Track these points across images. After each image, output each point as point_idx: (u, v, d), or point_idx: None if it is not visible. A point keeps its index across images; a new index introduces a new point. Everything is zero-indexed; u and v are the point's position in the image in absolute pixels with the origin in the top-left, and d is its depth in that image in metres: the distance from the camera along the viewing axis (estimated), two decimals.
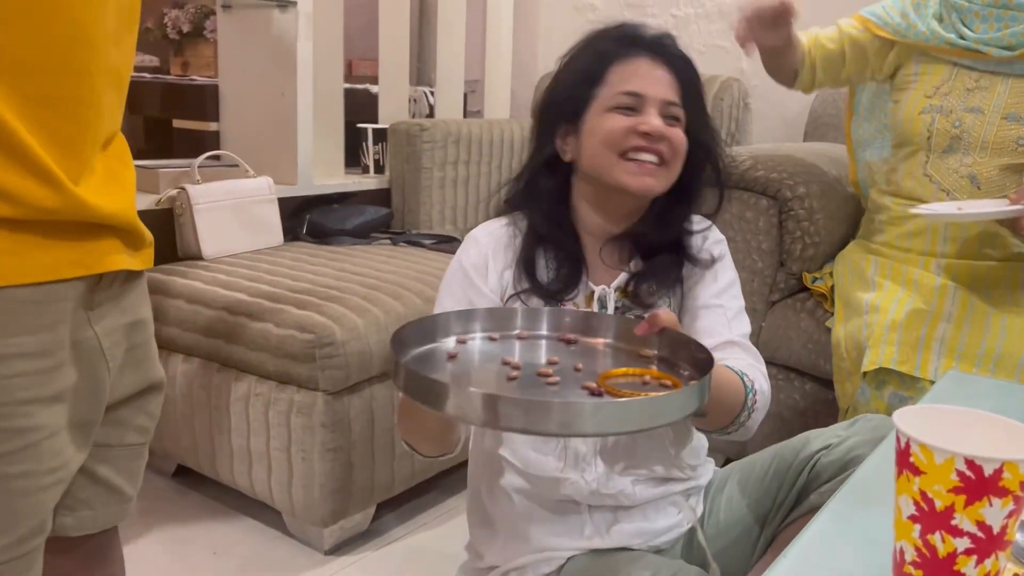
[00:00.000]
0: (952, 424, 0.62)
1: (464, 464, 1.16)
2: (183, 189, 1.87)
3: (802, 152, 1.86)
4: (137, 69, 3.71)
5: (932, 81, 1.52)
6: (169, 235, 1.92)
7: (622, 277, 1.06)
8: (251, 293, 1.62)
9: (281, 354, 1.51)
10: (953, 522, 0.57)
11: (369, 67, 3.05)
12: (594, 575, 1.01)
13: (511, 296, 1.03)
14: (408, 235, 2.16)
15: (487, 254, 1.04)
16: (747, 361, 1.03)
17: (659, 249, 1.07)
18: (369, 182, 2.42)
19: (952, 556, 0.58)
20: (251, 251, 1.95)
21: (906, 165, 1.55)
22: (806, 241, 1.71)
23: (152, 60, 3.81)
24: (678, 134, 1.01)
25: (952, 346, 1.34)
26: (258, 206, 1.99)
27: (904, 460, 0.59)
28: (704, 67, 2.74)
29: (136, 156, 2.63)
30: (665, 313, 0.88)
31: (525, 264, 1.03)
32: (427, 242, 2.10)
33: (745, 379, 0.99)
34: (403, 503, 1.76)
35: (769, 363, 1.76)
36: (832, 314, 1.63)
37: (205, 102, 2.36)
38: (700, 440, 1.13)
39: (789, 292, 1.76)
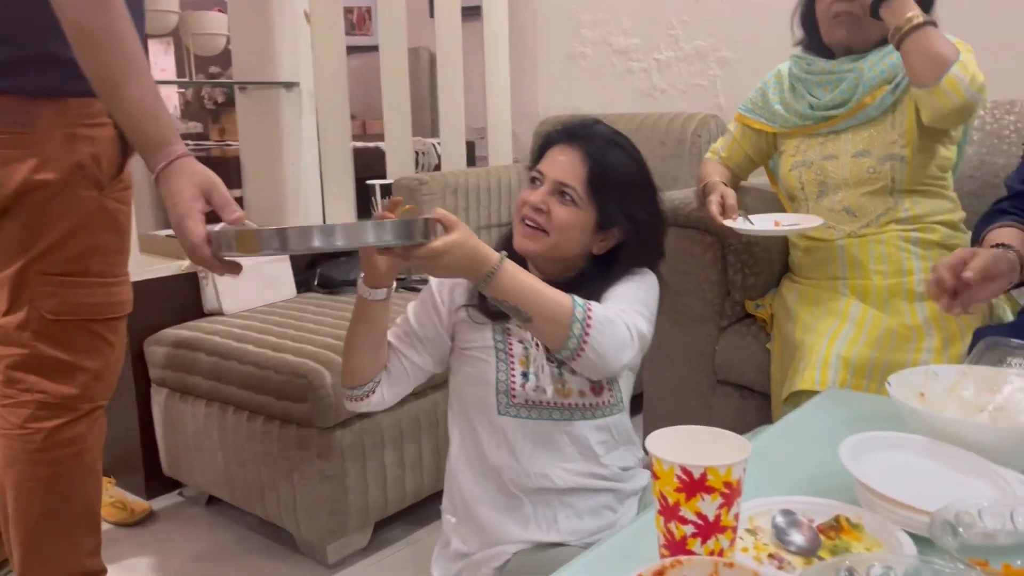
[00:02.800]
0: (698, 439, 0.82)
1: None
2: None
3: (751, 191, 2.05)
4: (183, 136, 4.10)
5: (793, 145, 1.80)
6: (196, 294, 2.20)
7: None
8: (258, 344, 1.88)
9: (281, 396, 1.76)
10: (681, 513, 0.77)
11: (381, 126, 3.33)
12: (535, 566, 1.22)
13: (459, 307, 1.27)
14: (407, 281, 2.41)
15: (444, 284, 1.29)
16: (608, 306, 1.19)
17: None
18: None
19: (684, 539, 0.78)
20: (266, 304, 2.22)
21: (799, 211, 1.79)
22: (746, 272, 1.90)
23: (196, 127, 4.20)
24: (560, 211, 1.21)
25: (847, 359, 1.52)
26: (271, 264, 2.27)
27: (652, 470, 0.80)
28: (684, 105, 2.97)
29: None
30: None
31: (477, 290, 1.24)
32: (422, 287, 2.34)
33: (575, 298, 1.14)
34: (399, 522, 1.99)
35: (723, 382, 1.96)
36: (771, 337, 1.82)
37: (229, 172, 2.67)
38: (635, 448, 1.33)
39: (736, 318, 1.94)
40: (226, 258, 1.12)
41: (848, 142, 1.71)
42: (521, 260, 1.26)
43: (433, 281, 1.29)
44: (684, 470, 0.76)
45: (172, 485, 2.18)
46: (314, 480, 1.76)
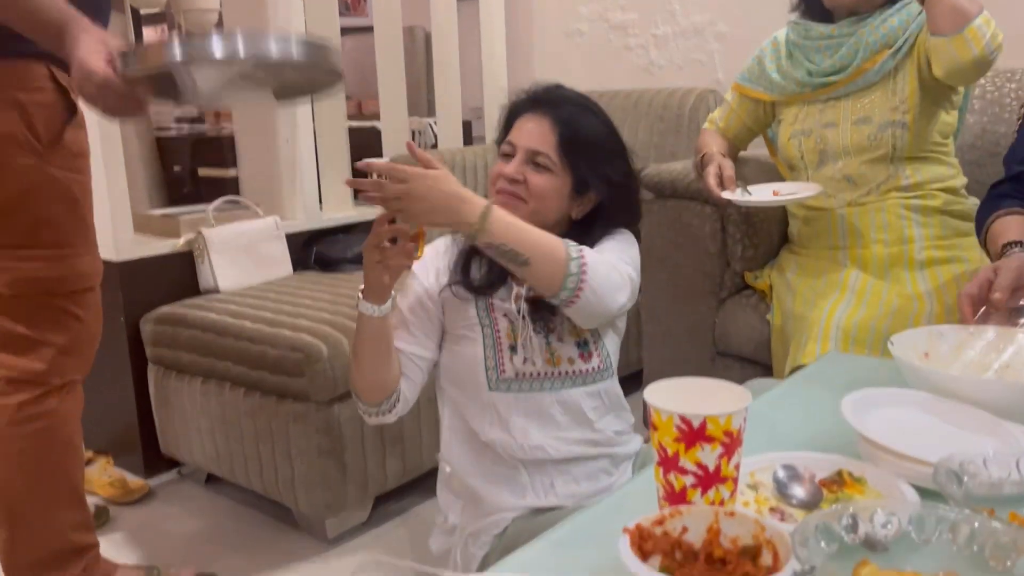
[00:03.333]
0: (697, 390, 0.81)
1: None
2: (200, 233, 2.14)
3: (750, 161, 2.03)
4: (178, 119, 4.08)
5: (792, 113, 1.77)
6: (191, 273, 2.19)
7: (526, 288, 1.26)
8: (254, 320, 1.87)
9: (277, 371, 1.75)
10: (680, 464, 0.76)
11: (377, 105, 3.31)
12: (532, 530, 1.21)
13: (444, 287, 1.26)
14: None
15: (426, 260, 1.27)
16: (598, 252, 1.19)
17: None
18: (373, 212, 2.65)
19: (684, 490, 0.76)
20: (262, 283, 2.21)
21: (798, 181, 1.76)
22: (745, 243, 1.88)
23: (191, 109, 4.17)
24: (536, 179, 1.21)
25: (847, 329, 1.51)
26: (267, 243, 2.25)
27: (649, 421, 0.78)
28: (683, 80, 2.94)
29: (167, 204, 2.95)
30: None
31: (462, 264, 1.26)
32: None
33: (570, 246, 1.14)
34: (399, 497, 1.99)
35: (723, 354, 1.95)
36: (771, 308, 1.81)
37: (224, 152, 2.65)
38: (625, 413, 1.33)
39: (736, 290, 1.93)
40: (131, 75, 1.04)
41: (848, 109, 1.69)
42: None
43: (416, 267, 1.27)
44: (683, 419, 0.75)
45: (170, 463, 2.17)
46: (312, 455, 1.75)
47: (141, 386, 2.09)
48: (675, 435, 0.76)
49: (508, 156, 1.24)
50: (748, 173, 1.86)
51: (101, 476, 2.06)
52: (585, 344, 1.27)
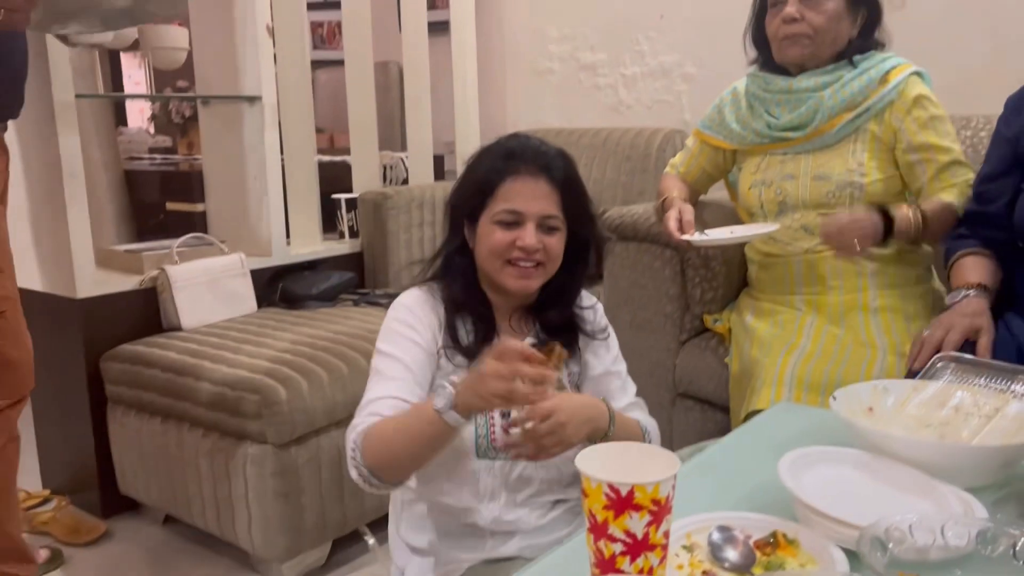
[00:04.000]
0: (629, 456, 0.82)
1: None
2: (163, 270, 2.13)
3: (710, 205, 2.06)
4: (152, 149, 4.07)
5: (753, 163, 1.80)
6: (154, 310, 2.18)
7: (528, 340, 1.25)
8: (214, 360, 1.86)
9: (236, 413, 1.74)
10: (609, 532, 0.76)
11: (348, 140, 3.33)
12: None
13: (439, 348, 1.21)
14: (369, 296, 2.39)
15: (418, 315, 1.22)
16: (643, 416, 1.30)
17: (558, 322, 1.27)
18: (342, 247, 2.67)
19: (613, 557, 0.77)
20: (226, 320, 2.20)
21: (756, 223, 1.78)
22: (704, 286, 1.90)
23: (165, 140, 4.17)
24: (552, 242, 1.20)
25: (801, 377, 1.53)
26: (231, 279, 2.24)
27: (582, 488, 0.79)
28: (651, 119, 2.98)
29: (134, 237, 2.93)
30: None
31: (448, 330, 1.22)
32: (384, 301, 2.33)
33: (647, 434, 1.27)
34: (358, 538, 1.97)
35: (684, 395, 1.96)
36: (730, 352, 1.82)
37: (193, 186, 2.64)
38: None
39: (696, 332, 1.94)
40: None
41: (808, 164, 1.71)
42: (475, 295, 1.24)
43: (399, 317, 1.22)
44: (612, 487, 0.75)
45: (128, 503, 2.14)
46: (269, 498, 1.74)
47: (100, 425, 2.07)
48: (604, 503, 0.76)
49: (511, 225, 1.19)
50: (708, 217, 1.89)
51: (57, 516, 2.04)
52: None
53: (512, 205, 1.19)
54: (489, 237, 1.20)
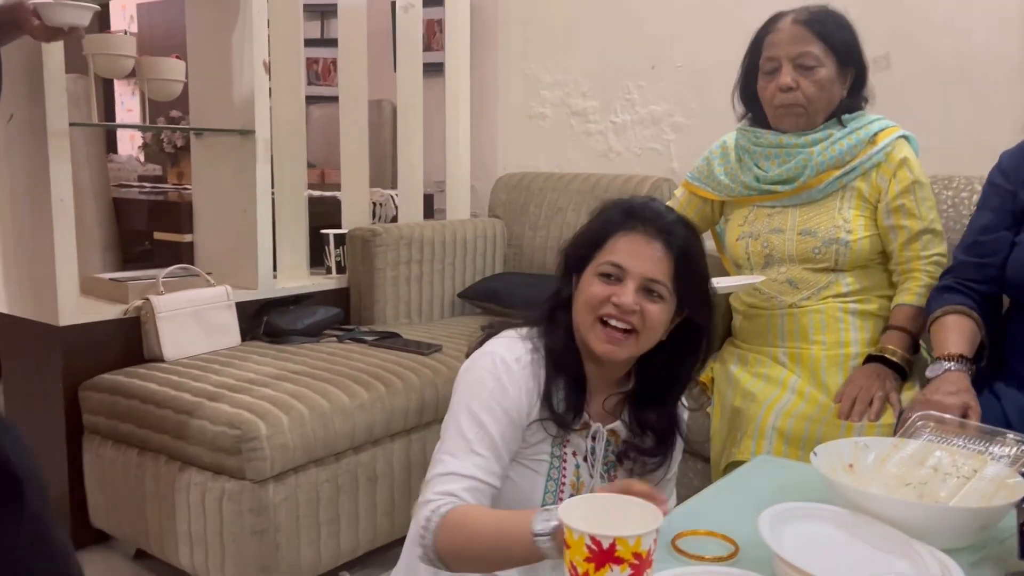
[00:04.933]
0: (612, 508, 0.82)
1: (394, 543, 1.31)
2: (147, 300, 2.12)
3: None
4: (141, 177, 4.07)
5: (741, 215, 1.81)
6: (137, 339, 2.16)
7: (618, 424, 1.22)
8: (195, 393, 1.84)
9: (214, 448, 1.72)
10: None
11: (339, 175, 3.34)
12: None
13: (534, 421, 1.16)
14: (354, 333, 2.39)
15: (517, 378, 1.15)
16: None
17: (654, 421, 1.22)
18: (329, 283, 2.67)
19: None
20: (209, 352, 2.19)
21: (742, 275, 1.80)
22: None
23: (156, 169, 4.17)
24: (652, 309, 1.13)
25: (782, 430, 1.53)
26: (216, 311, 2.23)
27: (561, 538, 0.79)
28: (640, 167, 3.02)
29: (119, 266, 2.91)
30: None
31: (545, 397, 1.17)
32: (369, 339, 2.33)
33: None
34: None
35: None
36: (712, 401, 1.83)
37: (182, 217, 2.64)
38: None
39: None
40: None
41: (795, 218, 1.74)
42: (572, 355, 1.18)
43: (501, 370, 1.15)
44: (593, 540, 0.75)
45: (98, 536, 2.10)
46: (244, 535, 1.71)
47: (75, 455, 2.04)
48: (585, 554, 0.76)
49: (612, 278, 1.14)
50: None
51: None
52: None
53: (617, 259, 1.14)
54: (587, 289, 1.16)
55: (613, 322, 1.13)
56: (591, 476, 1.21)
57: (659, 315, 1.14)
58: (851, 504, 1.02)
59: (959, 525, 0.99)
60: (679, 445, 1.29)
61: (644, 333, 1.14)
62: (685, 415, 1.30)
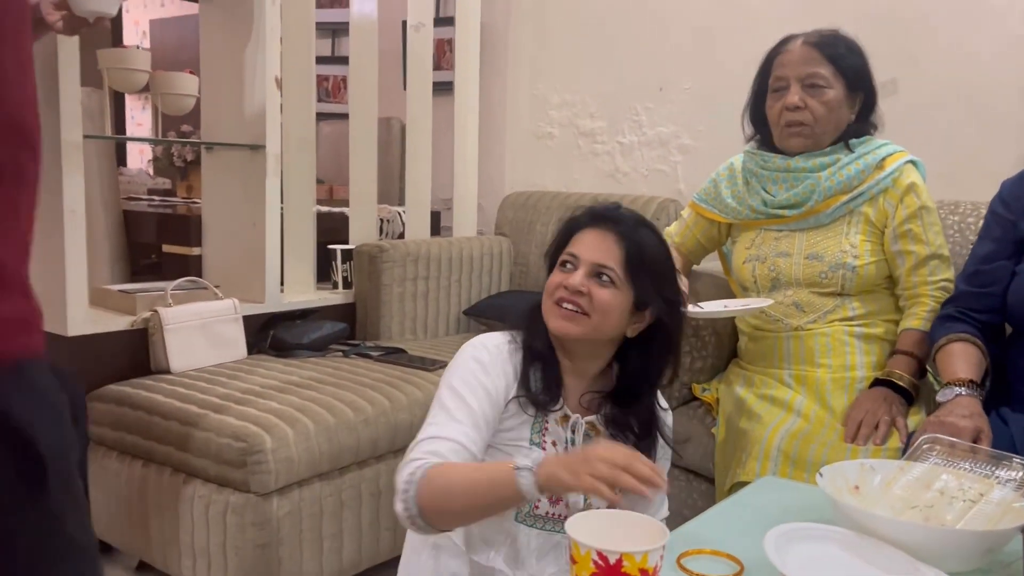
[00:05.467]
0: (620, 524, 0.82)
1: (396, 559, 1.33)
2: (155, 311, 2.13)
3: (703, 276, 2.09)
4: (151, 190, 4.10)
5: (748, 238, 1.82)
6: (144, 351, 2.17)
7: (597, 418, 1.27)
8: (201, 405, 1.85)
9: (220, 460, 1.73)
10: None
11: (347, 192, 3.36)
12: None
13: (512, 398, 1.23)
14: (360, 348, 2.39)
15: (495, 360, 1.24)
16: None
17: (634, 420, 1.27)
18: (335, 297, 2.68)
19: None
20: (215, 365, 2.19)
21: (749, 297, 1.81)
22: (694, 355, 1.91)
23: (165, 183, 4.20)
24: (601, 293, 1.21)
25: (787, 452, 1.53)
26: (223, 324, 2.24)
27: (569, 553, 0.79)
28: (645, 188, 3.03)
29: (127, 277, 2.91)
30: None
31: (522, 379, 1.24)
32: (374, 354, 2.33)
33: None
34: None
35: (672, 465, 1.95)
36: (717, 421, 1.83)
37: (190, 230, 2.66)
38: None
39: (684, 400, 1.95)
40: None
41: (802, 242, 1.74)
42: (548, 348, 1.25)
43: (477, 356, 1.23)
44: (600, 555, 0.76)
45: (103, 548, 2.10)
46: (247, 548, 1.71)
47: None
48: (592, 570, 0.76)
49: (568, 266, 1.24)
50: (701, 288, 1.91)
51: None
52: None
53: (574, 249, 1.24)
54: (550, 278, 1.26)
55: (564, 304, 1.22)
56: None
57: (609, 299, 1.21)
58: (856, 526, 1.02)
59: (965, 548, 0.99)
60: (667, 453, 1.32)
61: (595, 315, 1.21)
62: (669, 419, 1.34)
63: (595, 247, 1.23)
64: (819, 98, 1.67)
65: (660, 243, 1.28)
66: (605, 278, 1.21)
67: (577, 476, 0.96)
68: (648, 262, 1.24)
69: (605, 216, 1.25)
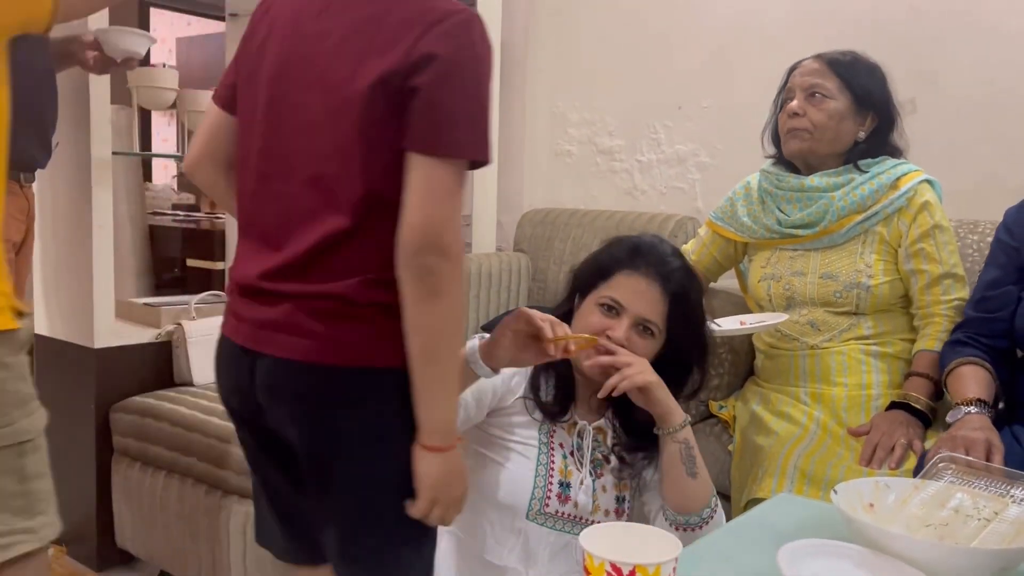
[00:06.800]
0: (633, 537, 0.84)
1: None
2: (180, 325, 2.17)
3: (719, 293, 2.10)
4: (175, 205, 4.16)
5: (764, 256, 1.84)
6: (168, 364, 2.21)
7: (604, 422, 1.30)
8: (223, 417, 1.87)
9: (241, 472, 1.76)
10: None
11: None
12: None
13: (519, 398, 1.27)
14: None
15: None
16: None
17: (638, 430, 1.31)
18: None
19: None
20: None
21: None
22: (711, 373, 1.92)
23: (189, 198, 4.27)
24: (641, 345, 1.25)
25: (804, 469, 1.54)
26: None
27: (583, 564, 0.81)
28: (664, 206, 3.04)
29: (151, 291, 2.97)
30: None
31: (532, 383, 1.29)
32: None
33: (713, 497, 1.26)
34: None
35: None
36: (733, 438, 1.84)
37: (214, 245, 2.71)
38: None
39: (700, 418, 1.96)
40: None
41: (816, 262, 1.75)
42: (567, 381, 1.28)
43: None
44: (614, 566, 0.77)
45: (124, 557, 2.13)
46: (267, 559, 1.73)
47: (104, 476, 2.08)
48: None
49: (611, 311, 1.26)
50: (717, 305, 1.92)
51: (51, 567, 2.03)
52: (623, 500, 1.31)
53: (617, 296, 1.26)
54: (586, 317, 1.27)
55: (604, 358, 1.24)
56: (579, 471, 1.27)
57: (646, 348, 1.26)
58: (871, 543, 1.02)
59: (979, 567, 1.00)
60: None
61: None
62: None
63: (640, 298, 1.25)
64: (819, 106, 1.70)
65: (698, 290, 1.31)
66: (647, 330, 1.25)
67: (499, 329, 1.10)
68: (689, 315, 1.28)
69: (652, 262, 1.27)
